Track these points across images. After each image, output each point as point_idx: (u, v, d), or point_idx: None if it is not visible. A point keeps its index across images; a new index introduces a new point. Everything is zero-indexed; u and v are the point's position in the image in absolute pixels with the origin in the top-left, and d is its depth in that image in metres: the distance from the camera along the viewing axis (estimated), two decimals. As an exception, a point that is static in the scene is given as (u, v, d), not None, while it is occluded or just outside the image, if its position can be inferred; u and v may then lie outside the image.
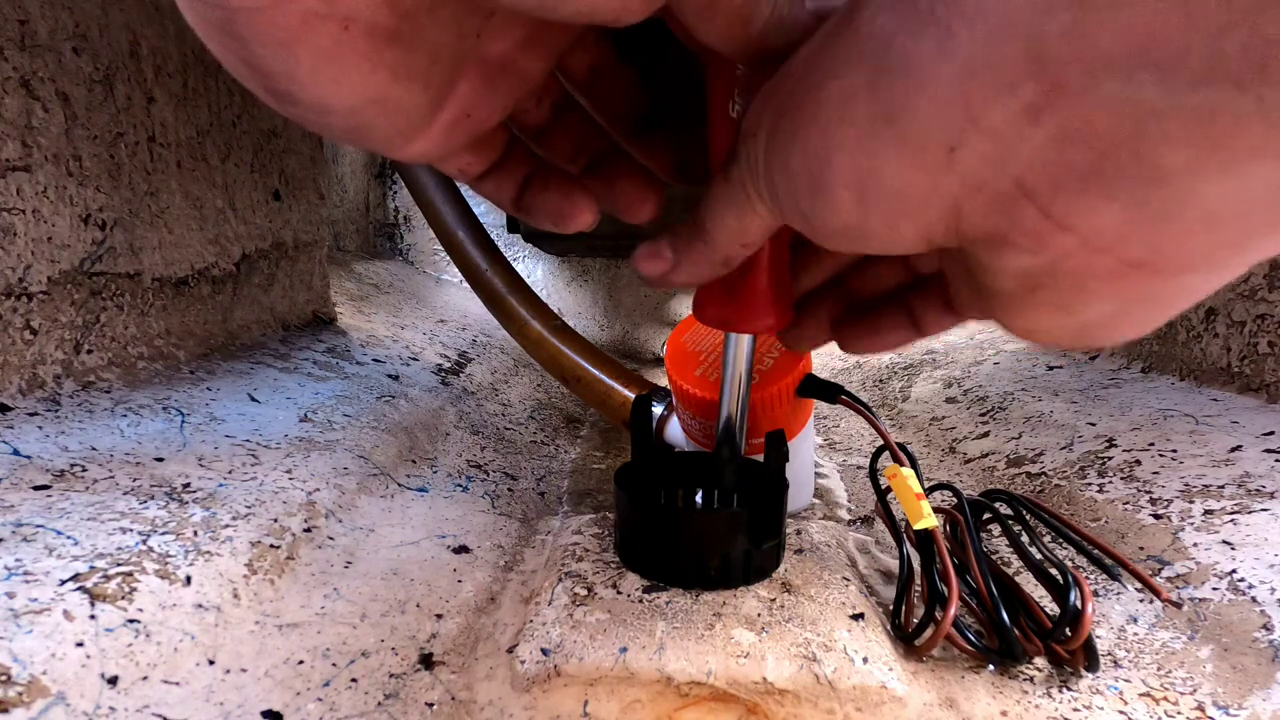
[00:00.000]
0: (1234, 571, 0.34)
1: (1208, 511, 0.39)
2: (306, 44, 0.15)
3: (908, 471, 0.34)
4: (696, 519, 0.34)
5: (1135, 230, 0.14)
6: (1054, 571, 0.31)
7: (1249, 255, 0.14)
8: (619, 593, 0.33)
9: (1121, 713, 0.28)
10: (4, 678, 0.22)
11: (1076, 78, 0.13)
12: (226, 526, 0.33)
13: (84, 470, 0.35)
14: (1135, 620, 0.34)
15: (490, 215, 1.29)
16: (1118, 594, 0.35)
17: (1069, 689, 0.29)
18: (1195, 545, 0.37)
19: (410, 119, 0.19)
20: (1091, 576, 0.36)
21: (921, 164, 0.15)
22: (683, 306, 1.36)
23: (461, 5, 0.18)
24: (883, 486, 0.38)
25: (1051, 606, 0.31)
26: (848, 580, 0.35)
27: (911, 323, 0.25)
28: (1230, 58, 0.11)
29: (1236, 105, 0.11)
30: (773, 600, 0.33)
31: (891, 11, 0.15)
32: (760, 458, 0.37)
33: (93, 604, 0.26)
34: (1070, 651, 0.30)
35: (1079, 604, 0.29)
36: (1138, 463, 0.47)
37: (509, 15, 0.19)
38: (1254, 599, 0.32)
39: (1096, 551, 0.32)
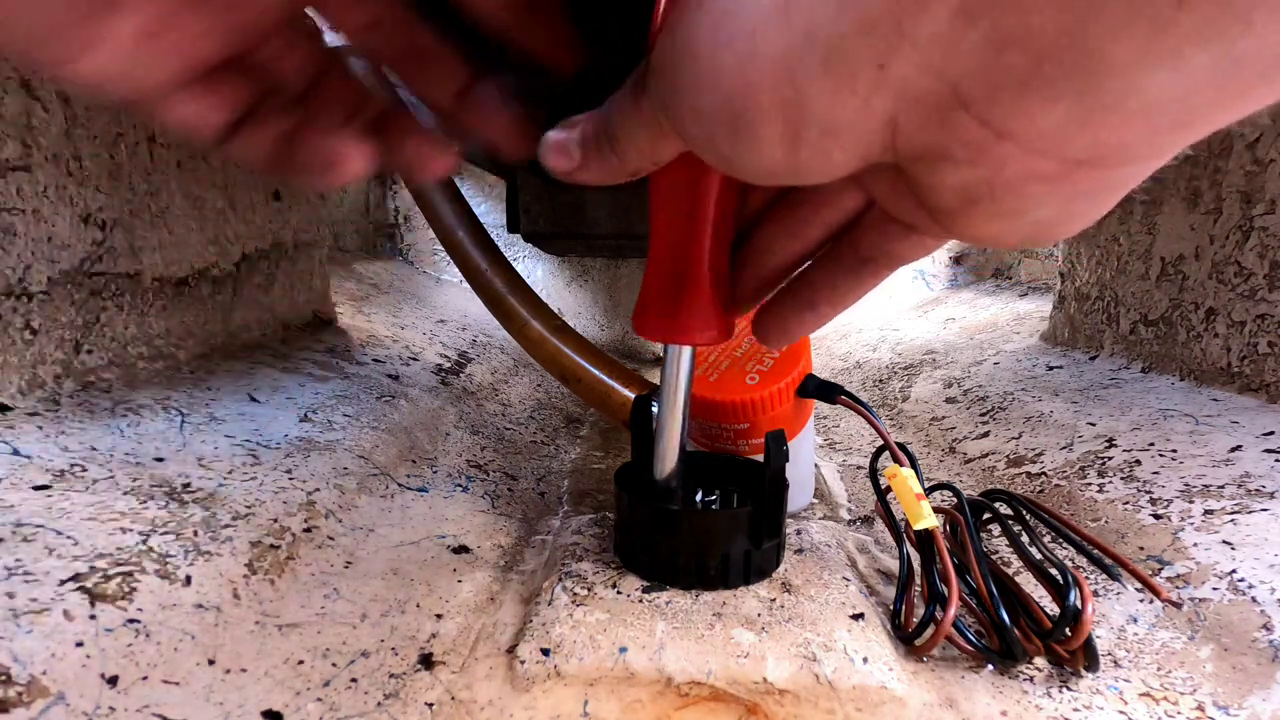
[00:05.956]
0: (1234, 571, 0.34)
1: (1208, 511, 0.39)
2: None
3: (908, 472, 0.34)
4: (696, 519, 0.34)
5: (1077, 129, 0.13)
6: (1054, 571, 0.31)
7: (1189, 137, 0.14)
8: (619, 593, 0.33)
9: (1121, 713, 0.28)
10: (4, 678, 0.22)
11: None
12: (226, 526, 0.33)
13: (84, 470, 0.35)
14: (1135, 620, 0.34)
15: (490, 215, 1.29)
16: (1118, 594, 0.35)
17: (1069, 689, 0.29)
18: (1195, 545, 0.37)
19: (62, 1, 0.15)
20: (1091, 576, 0.36)
21: (852, 86, 0.14)
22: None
23: None
24: (883, 486, 0.38)
25: (1051, 606, 0.31)
26: (848, 580, 0.35)
27: (867, 262, 0.23)
28: None
29: None
30: (773, 600, 0.33)
31: None
32: (760, 458, 0.37)
33: (93, 604, 0.26)
34: (1070, 651, 0.30)
35: (1079, 604, 0.29)
36: (1138, 463, 0.47)
37: None
38: (1254, 599, 0.32)
39: (1096, 551, 0.32)
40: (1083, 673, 0.30)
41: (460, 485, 0.50)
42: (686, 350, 0.30)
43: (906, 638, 0.31)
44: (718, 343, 0.28)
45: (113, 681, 0.24)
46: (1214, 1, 0.11)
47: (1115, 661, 0.31)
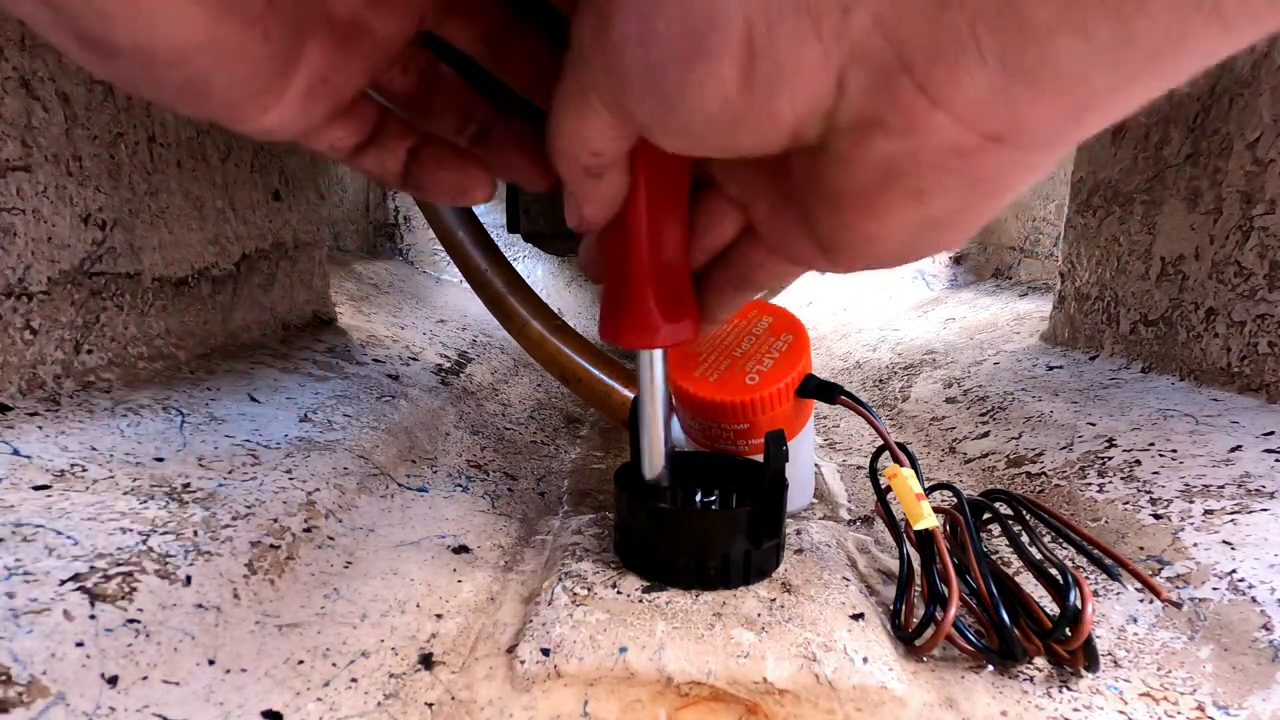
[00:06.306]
0: (1234, 571, 0.34)
1: (1208, 511, 0.39)
2: None
3: (908, 472, 0.34)
4: (696, 519, 0.34)
5: (998, 100, 0.14)
6: (1054, 571, 0.31)
7: (1085, 126, 0.15)
8: (619, 593, 0.33)
9: (1121, 713, 0.28)
10: (4, 678, 0.22)
11: None
12: (226, 526, 0.33)
13: (84, 470, 0.35)
14: (1135, 620, 0.34)
15: (490, 215, 1.29)
16: (1118, 594, 0.35)
17: (1069, 689, 0.29)
18: (1195, 545, 0.37)
19: (257, 75, 0.17)
20: (1091, 576, 0.36)
21: (818, 31, 0.15)
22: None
23: None
24: (883, 486, 0.38)
25: (1051, 606, 0.31)
26: (848, 580, 0.35)
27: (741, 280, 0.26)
28: None
29: None
30: (773, 600, 0.33)
31: None
32: (760, 458, 0.37)
33: (93, 604, 0.26)
34: (1070, 651, 0.30)
35: (1079, 604, 0.29)
36: (1138, 463, 0.47)
37: None
38: (1254, 599, 0.32)
39: (1096, 551, 0.32)
40: (1083, 673, 0.30)
41: (460, 485, 0.50)
42: (658, 352, 0.31)
43: (906, 638, 0.31)
44: (685, 342, 0.28)
45: (113, 681, 0.24)
46: None
47: (1115, 661, 0.31)
